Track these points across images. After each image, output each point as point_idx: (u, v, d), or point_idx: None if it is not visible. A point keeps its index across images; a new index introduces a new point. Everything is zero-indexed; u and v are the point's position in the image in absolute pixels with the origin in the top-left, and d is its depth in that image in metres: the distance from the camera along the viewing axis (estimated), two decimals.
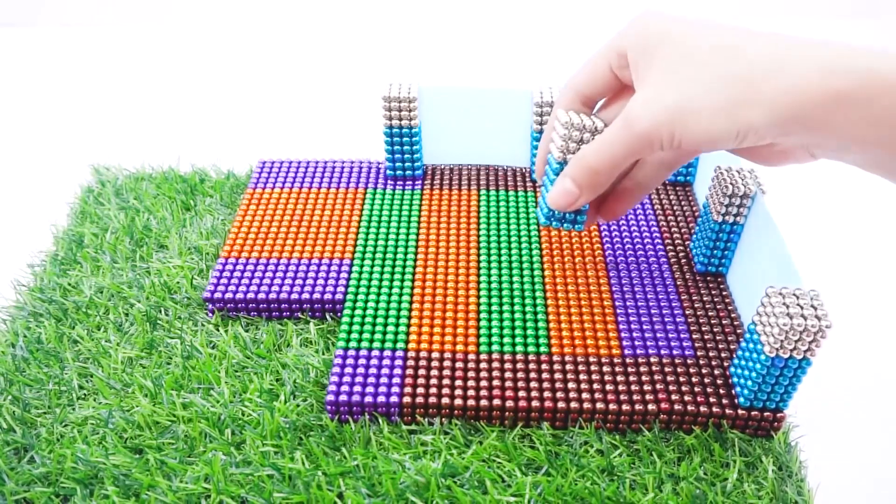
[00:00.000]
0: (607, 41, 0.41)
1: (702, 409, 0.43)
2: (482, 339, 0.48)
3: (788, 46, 0.33)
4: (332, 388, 0.45)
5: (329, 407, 0.45)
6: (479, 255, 0.55)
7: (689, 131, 0.35)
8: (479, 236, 0.57)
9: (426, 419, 0.45)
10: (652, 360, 0.46)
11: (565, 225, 0.46)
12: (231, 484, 0.41)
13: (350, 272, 0.54)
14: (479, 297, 0.51)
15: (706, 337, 0.48)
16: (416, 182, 0.63)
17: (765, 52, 0.33)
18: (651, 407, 0.43)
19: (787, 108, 0.32)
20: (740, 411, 0.43)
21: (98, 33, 1.02)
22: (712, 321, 0.49)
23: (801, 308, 0.38)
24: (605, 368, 0.46)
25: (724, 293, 0.51)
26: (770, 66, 0.32)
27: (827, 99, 0.31)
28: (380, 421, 0.45)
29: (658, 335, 0.48)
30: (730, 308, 0.50)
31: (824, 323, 0.38)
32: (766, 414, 0.43)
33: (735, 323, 0.49)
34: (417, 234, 0.57)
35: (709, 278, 0.52)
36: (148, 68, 0.94)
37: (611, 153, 0.38)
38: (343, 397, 0.44)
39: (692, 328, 0.48)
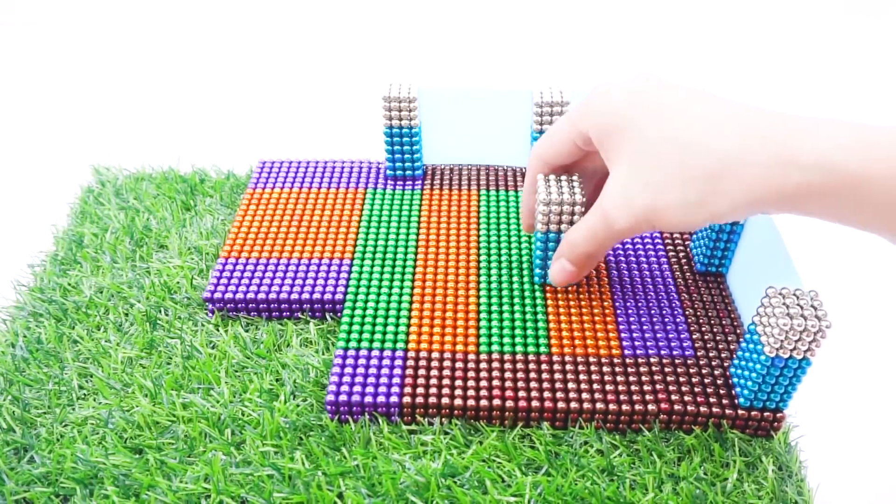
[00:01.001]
0: (569, 116, 0.42)
1: (702, 409, 0.43)
2: (482, 339, 0.48)
3: (756, 136, 0.33)
4: (332, 388, 0.45)
5: (329, 407, 0.45)
6: (479, 255, 0.55)
7: (665, 222, 0.37)
8: (479, 236, 0.57)
9: (426, 419, 0.45)
10: (652, 360, 0.46)
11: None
12: (231, 484, 0.41)
13: (350, 272, 0.54)
14: (479, 297, 0.51)
15: (706, 337, 0.48)
16: (416, 182, 0.63)
17: (729, 146, 0.34)
18: (651, 407, 0.43)
19: (753, 201, 0.33)
20: (740, 411, 0.43)
21: (98, 33, 1.02)
22: (712, 321, 0.49)
23: (801, 308, 0.38)
24: (605, 368, 0.46)
25: (724, 293, 0.51)
26: (736, 160, 0.33)
27: (790, 193, 0.32)
28: (380, 421, 0.45)
29: (658, 335, 0.48)
30: (730, 308, 0.50)
31: (824, 323, 0.38)
32: (766, 414, 0.43)
33: (735, 323, 0.49)
34: (417, 234, 0.57)
35: (709, 278, 0.52)
36: (148, 68, 0.94)
37: (598, 243, 0.42)
38: (343, 397, 0.44)
39: (692, 328, 0.48)
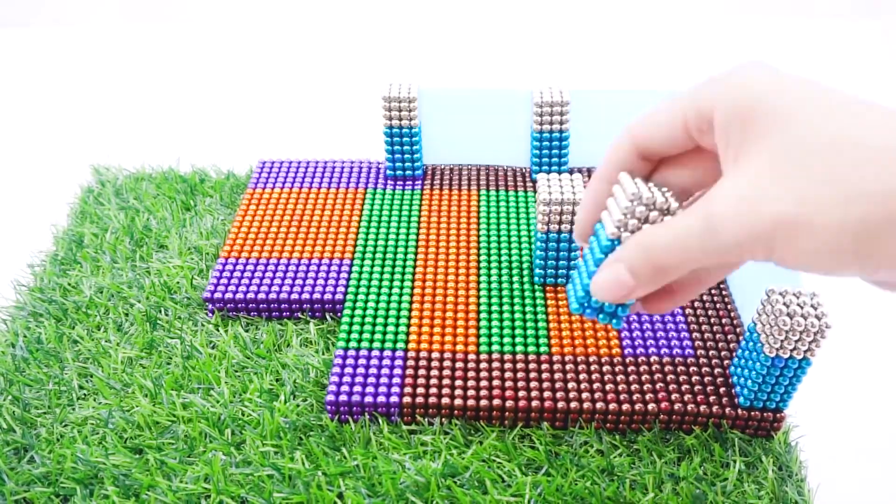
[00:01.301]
0: (688, 90, 0.31)
1: (702, 408, 0.43)
2: (482, 339, 0.48)
3: None
4: (332, 388, 0.45)
5: (329, 407, 0.45)
6: (479, 255, 0.55)
7: (794, 251, 0.26)
8: (479, 236, 0.57)
9: (426, 419, 0.45)
10: (652, 359, 0.46)
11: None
12: (231, 484, 0.41)
13: (350, 272, 0.54)
14: (479, 296, 0.51)
15: (706, 336, 0.48)
16: (416, 182, 0.63)
17: None
18: (651, 407, 0.43)
19: None
20: (740, 411, 0.43)
21: (98, 33, 1.02)
22: (712, 321, 0.49)
23: (801, 308, 0.38)
24: (605, 368, 0.46)
25: (725, 293, 0.51)
26: None
27: None
28: (380, 421, 0.45)
29: (658, 335, 0.48)
30: (730, 308, 0.50)
31: (824, 323, 0.38)
32: (766, 414, 0.43)
33: (735, 322, 0.49)
34: (417, 234, 0.57)
35: None
36: (148, 68, 0.94)
37: (685, 255, 0.29)
38: (343, 397, 0.44)
39: (692, 328, 0.48)
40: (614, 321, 0.34)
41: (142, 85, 0.91)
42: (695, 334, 0.48)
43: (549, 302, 0.51)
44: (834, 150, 0.25)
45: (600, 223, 0.33)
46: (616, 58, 0.96)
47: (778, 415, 0.43)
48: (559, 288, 0.52)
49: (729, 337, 0.48)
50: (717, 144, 0.29)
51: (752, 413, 0.43)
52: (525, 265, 0.54)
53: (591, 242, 0.34)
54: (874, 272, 0.25)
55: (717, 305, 0.50)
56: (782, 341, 0.39)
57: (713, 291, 0.51)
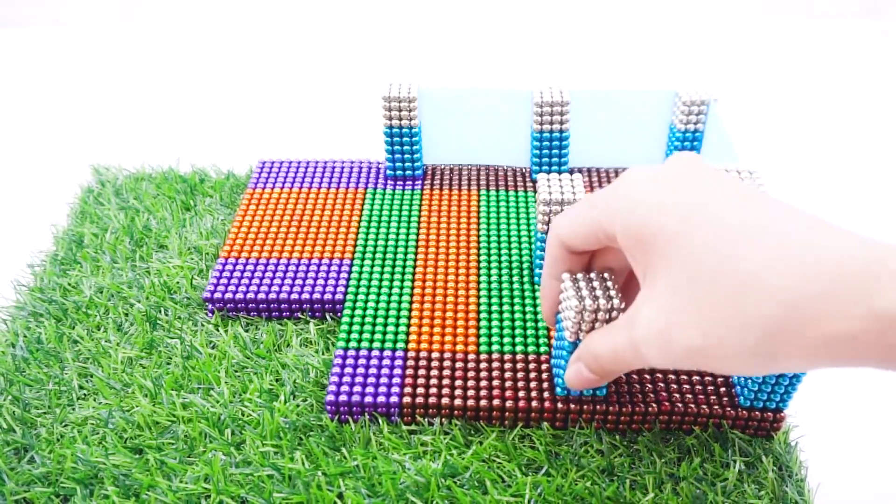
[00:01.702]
0: (592, 206, 0.35)
1: (702, 408, 0.43)
2: (482, 339, 0.48)
3: (831, 271, 0.26)
4: (332, 388, 0.45)
5: (329, 407, 0.45)
6: (479, 255, 0.55)
7: (711, 367, 0.30)
8: (479, 236, 0.57)
9: (426, 419, 0.45)
10: None
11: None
12: (231, 484, 0.41)
13: (350, 272, 0.54)
14: (479, 297, 0.51)
15: None
16: (416, 182, 0.63)
17: (804, 285, 0.26)
18: (651, 407, 0.43)
19: (832, 355, 0.26)
20: (740, 411, 0.43)
21: (97, 33, 1.02)
22: None
23: None
24: None
25: None
26: (813, 306, 0.26)
27: (877, 346, 0.25)
28: (380, 421, 0.45)
29: None
30: None
31: None
32: (766, 414, 0.43)
33: None
34: (417, 234, 0.57)
35: None
36: (148, 68, 0.94)
37: (623, 362, 0.34)
38: (343, 397, 0.44)
39: None
40: (598, 392, 0.43)
41: (142, 85, 0.91)
42: None
43: None
44: (724, 282, 0.28)
45: (562, 332, 0.41)
46: (616, 58, 0.96)
47: (778, 415, 0.43)
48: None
49: None
50: (630, 262, 0.33)
51: (753, 413, 0.43)
52: (525, 265, 0.54)
53: (558, 330, 0.42)
54: (785, 369, 0.29)
55: None
56: None
57: None
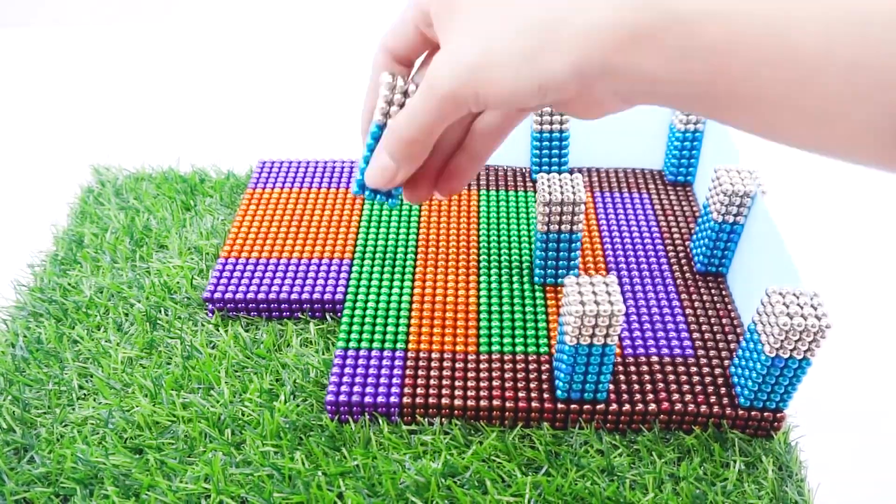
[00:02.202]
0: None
1: (702, 408, 0.43)
2: (482, 340, 0.48)
3: None
4: (332, 388, 0.45)
5: (329, 407, 0.45)
6: (478, 255, 0.55)
7: (492, 88, 0.31)
8: (479, 236, 0.57)
9: (426, 419, 0.45)
10: (652, 359, 0.46)
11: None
12: (231, 484, 0.41)
13: (350, 272, 0.54)
14: (479, 297, 0.51)
15: (706, 337, 0.48)
16: None
17: None
18: (651, 407, 0.43)
19: (584, 52, 0.29)
20: (740, 411, 0.43)
21: (98, 33, 1.02)
22: (712, 321, 0.49)
23: (801, 308, 0.38)
24: None
25: (724, 293, 0.51)
26: (572, 5, 0.29)
27: (623, 37, 0.28)
28: (380, 421, 0.45)
29: (658, 335, 0.48)
30: (730, 308, 0.50)
31: (824, 323, 0.38)
32: (766, 414, 0.43)
33: (735, 323, 0.49)
34: (417, 234, 0.57)
35: (709, 278, 0.52)
36: (148, 68, 0.94)
37: (420, 121, 0.34)
38: (343, 397, 0.44)
39: (692, 328, 0.48)
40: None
41: (142, 85, 0.91)
42: (695, 334, 0.48)
43: (549, 302, 0.51)
44: (506, 4, 0.30)
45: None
46: None
47: (778, 415, 0.43)
48: (559, 288, 0.52)
49: (729, 337, 0.48)
50: (436, 32, 0.33)
51: (752, 413, 0.43)
52: (525, 265, 0.54)
53: (559, 333, 0.42)
54: (546, 93, 0.30)
55: (717, 305, 0.50)
56: (782, 341, 0.39)
57: (713, 291, 0.51)
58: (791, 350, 0.39)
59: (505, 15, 0.30)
